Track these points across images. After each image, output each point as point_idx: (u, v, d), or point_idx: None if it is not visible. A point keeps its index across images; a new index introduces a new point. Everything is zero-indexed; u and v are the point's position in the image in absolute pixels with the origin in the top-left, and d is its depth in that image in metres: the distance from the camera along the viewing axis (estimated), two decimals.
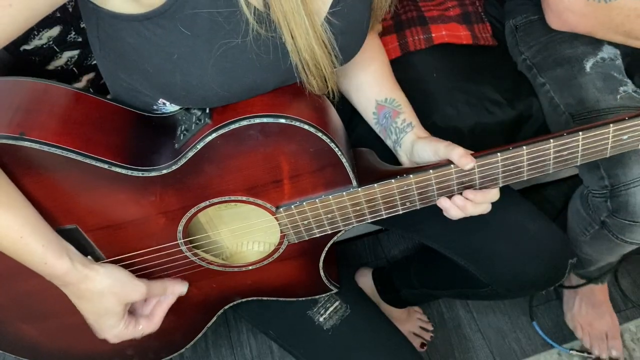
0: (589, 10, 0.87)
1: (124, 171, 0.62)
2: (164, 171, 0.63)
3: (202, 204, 0.68)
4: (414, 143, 0.75)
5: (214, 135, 0.61)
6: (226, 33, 0.57)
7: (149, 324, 0.74)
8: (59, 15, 0.87)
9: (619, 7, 0.85)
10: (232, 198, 0.68)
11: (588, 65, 0.96)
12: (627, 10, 0.85)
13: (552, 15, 0.93)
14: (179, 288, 0.77)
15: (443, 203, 0.71)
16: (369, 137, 0.84)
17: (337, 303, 0.88)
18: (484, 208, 0.71)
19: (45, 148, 0.58)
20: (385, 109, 0.79)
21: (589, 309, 1.32)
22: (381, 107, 0.80)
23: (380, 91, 0.81)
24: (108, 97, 0.69)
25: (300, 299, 0.88)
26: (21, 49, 0.87)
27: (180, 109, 0.69)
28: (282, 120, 0.61)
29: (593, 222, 1.02)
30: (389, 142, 0.80)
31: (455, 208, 0.71)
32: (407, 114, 0.78)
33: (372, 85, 0.81)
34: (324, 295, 0.88)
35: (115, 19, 0.57)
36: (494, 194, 0.71)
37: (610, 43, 0.98)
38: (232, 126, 0.60)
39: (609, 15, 0.87)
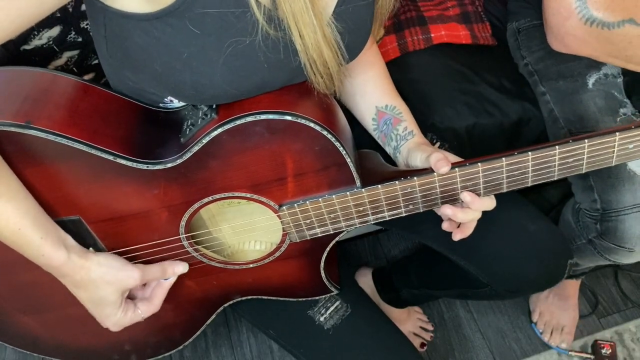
0: (591, 36, 0.86)
1: (129, 163, 0.62)
2: (169, 165, 0.63)
3: (206, 199, 0.68)
4: (410, 150, 0.75)
5: (220, 130, 0.61)
6: (236, 32, 0.57)
7: (148, 306, 0.74)
8: (59, 15, 0.86)
9: (621, 35, 0.84)
10: (236, 194, 0.68)
11: (590, 82, 0.96)
12: (630, 37, 0.84)
13: (554, 38, 0.92)
14: (179, 268, 0.75)
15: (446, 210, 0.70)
16: (363, 138, 0.84)
17: (337, 303, 0.88)
18: (474, 215, 0.71)
19: (52, 137, 0.58)
20: (385, 115, 0.79)
21: (555, 299, 1.35)
22: (382, 114, 0.79)
23: (381, 98, 0.81)
24: None
25: (301, 299, 0.88)
26: (21, 49, 0.86)
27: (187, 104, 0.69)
28: (288, 118, 0.61)
29: (581, 236, 1.03)
30: (388, 149, 0.80)
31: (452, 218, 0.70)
32: (408, 122, 0.79)
33: (372, 91, 0.81)
34: (324, 295, 0.88)
35: (123, 18, 0.57)
36: (489, 202, 0.70)
37: None
38: (238, 122, 0.61)
39: (611, 42, 0.86)
